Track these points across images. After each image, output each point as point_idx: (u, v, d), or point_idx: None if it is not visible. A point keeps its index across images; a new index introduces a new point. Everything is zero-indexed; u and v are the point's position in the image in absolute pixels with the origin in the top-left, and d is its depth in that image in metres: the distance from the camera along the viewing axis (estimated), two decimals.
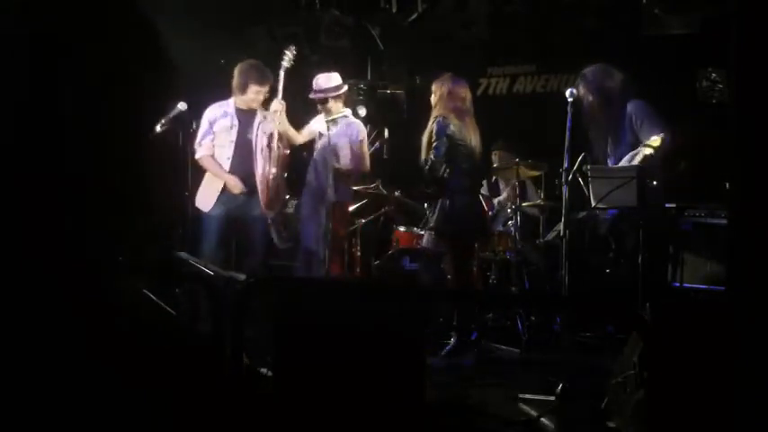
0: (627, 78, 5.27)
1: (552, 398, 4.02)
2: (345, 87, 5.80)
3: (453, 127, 5.20)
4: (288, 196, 6.12)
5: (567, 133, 4.28)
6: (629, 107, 5.14)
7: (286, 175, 5.69)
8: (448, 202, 5.23)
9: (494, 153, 6.82)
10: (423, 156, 5.28)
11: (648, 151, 4.86)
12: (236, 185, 5.48)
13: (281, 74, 5.47)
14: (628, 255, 5.27)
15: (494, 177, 6.94)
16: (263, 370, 3.73)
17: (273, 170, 5.42)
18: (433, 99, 5.37)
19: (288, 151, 5.61)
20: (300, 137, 5.78)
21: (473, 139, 5.34)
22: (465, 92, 5.40)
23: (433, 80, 5.49)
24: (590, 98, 5.21)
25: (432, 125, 5.24)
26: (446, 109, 5.27)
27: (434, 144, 5.16)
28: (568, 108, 4.29)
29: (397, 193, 6.31)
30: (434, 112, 5.30)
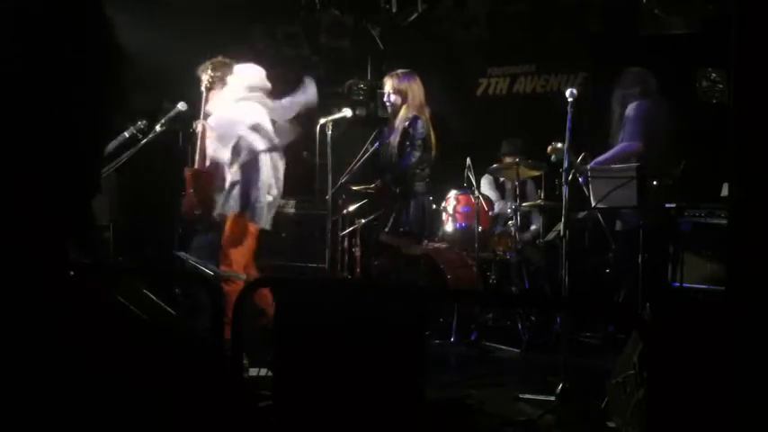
0: (652, 85, 5.26)
1: (552, 398, 4.02)
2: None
3: (426, 127, 5.17)
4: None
5: (567, 133, 4.28)
6: (628, 109, 5.17)
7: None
8: (418, 204, 5.21)
9: (506, 158, 6.63)
10: (395, 156, 5.19)
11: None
12: None
13: (203, 94, 5.06)
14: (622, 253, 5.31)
15: (501, 178, 6.83)
16: (264, 370, 3.74)
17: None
18: (396, 97, 5.23)
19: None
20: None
21: (433, 136, 5.33)
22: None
23: (393, 79, 5.30)
24: (613, 103, 5.24)
25: (410, 125, 5.17)
26: (418, 108, 5.21)
27: (414, 145, 5.11)
28: (568, 108, 4.29)
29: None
30: (409, 111, 5.19)
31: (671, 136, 5.24)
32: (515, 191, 6.06)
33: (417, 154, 5.13)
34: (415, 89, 5.25)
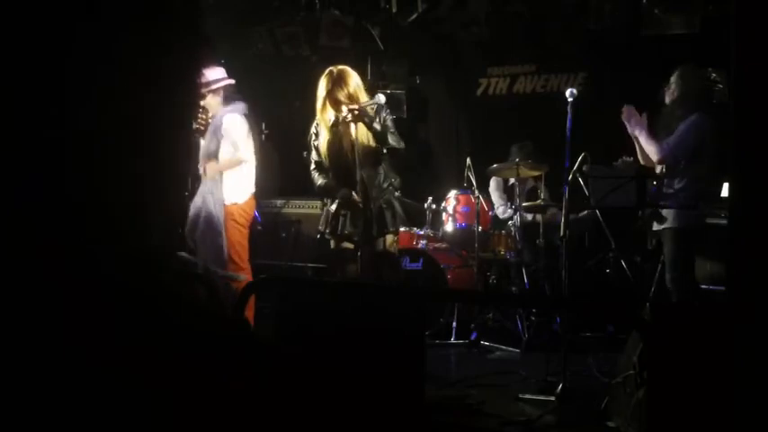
0: (704, 86, 4.97)
1: (552, 398, 4.02)
2: (224, 83, 5.20)
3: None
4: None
5: (567, 133, 4.28)
6: (689, 119, 4.69)
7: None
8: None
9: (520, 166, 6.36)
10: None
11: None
12: None
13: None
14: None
15: (510, 180, 6.59)
16: None
17: None
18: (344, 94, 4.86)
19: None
20: None
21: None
22: None
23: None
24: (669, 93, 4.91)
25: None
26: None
27: None
28: (568, 108, 4.29)
29: (397, 194, 6.28)
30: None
31: (715, 150, 4.71)
32: (515, 191, 6.04)
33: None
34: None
